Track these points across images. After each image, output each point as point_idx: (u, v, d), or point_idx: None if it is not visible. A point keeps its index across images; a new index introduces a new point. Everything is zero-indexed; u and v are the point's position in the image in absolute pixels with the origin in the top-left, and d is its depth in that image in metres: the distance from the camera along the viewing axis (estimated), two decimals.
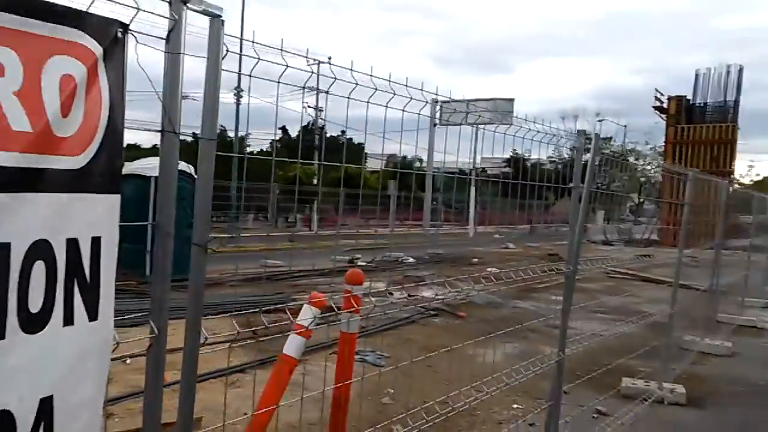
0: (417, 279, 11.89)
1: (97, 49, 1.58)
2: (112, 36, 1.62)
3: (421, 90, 2.76)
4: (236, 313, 8.86)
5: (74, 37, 1.53)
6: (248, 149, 35.65)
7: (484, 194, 31.73)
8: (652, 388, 5.84)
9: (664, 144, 37.24)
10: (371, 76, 2.50)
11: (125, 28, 1.65)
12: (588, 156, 4.32)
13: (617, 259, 6.65)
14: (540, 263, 19.18)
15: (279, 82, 2.23)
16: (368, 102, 2.60)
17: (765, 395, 6.24)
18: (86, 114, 1.56)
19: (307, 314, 3.52)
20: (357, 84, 2.48)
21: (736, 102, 35.25)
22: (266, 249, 17.44)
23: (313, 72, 2.86)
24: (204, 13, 1.85)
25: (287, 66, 2.20)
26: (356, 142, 29.13)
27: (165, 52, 1.79)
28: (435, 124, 31.62)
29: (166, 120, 1.79)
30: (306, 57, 2.41)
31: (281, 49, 2.15)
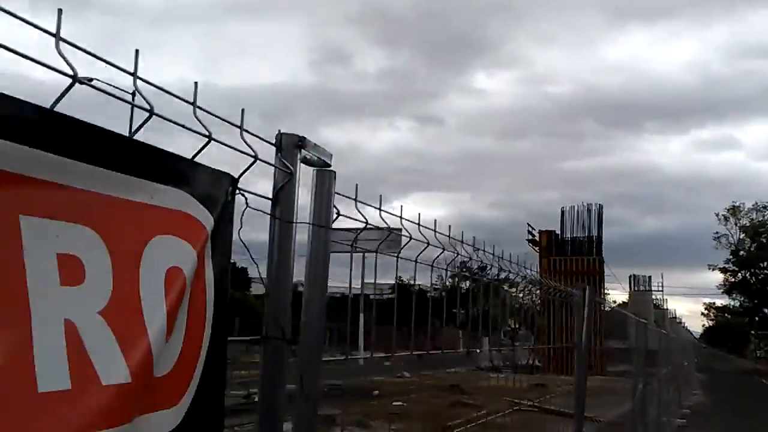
0: (327, 419, 10.88)
1: (208, 221, 0.97)
2: (222, 199, 1.03)
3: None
4: None
5: (179, 203, 0.92)
6: None
7: (370, 321, 31.26)
8: None
9: (538, 273, 39.26)
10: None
11: (235, 184, 1.07)
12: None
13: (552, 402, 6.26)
14: (442, 395, 18.53)
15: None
16: None
17: None
18: (188, 331, 0.92)
19: None
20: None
21: (599, 237, 38.41)
22: None
23: None
24: (310, 163, 1.31)
25: None
26: (239, 266, 28.07)
27: (271, 217, 1.20)
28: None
29: (272, 322, 1.17)
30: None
31: None
